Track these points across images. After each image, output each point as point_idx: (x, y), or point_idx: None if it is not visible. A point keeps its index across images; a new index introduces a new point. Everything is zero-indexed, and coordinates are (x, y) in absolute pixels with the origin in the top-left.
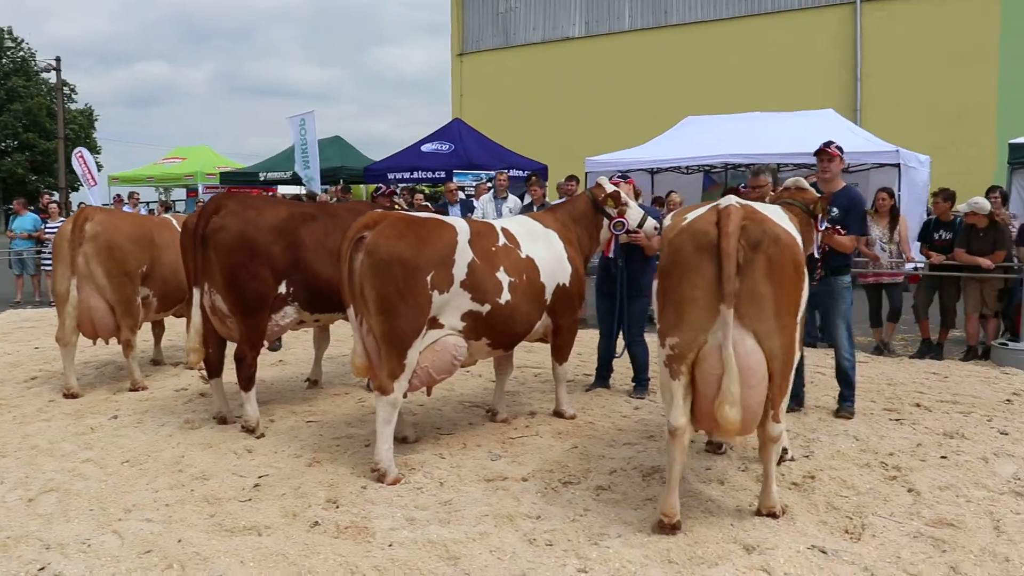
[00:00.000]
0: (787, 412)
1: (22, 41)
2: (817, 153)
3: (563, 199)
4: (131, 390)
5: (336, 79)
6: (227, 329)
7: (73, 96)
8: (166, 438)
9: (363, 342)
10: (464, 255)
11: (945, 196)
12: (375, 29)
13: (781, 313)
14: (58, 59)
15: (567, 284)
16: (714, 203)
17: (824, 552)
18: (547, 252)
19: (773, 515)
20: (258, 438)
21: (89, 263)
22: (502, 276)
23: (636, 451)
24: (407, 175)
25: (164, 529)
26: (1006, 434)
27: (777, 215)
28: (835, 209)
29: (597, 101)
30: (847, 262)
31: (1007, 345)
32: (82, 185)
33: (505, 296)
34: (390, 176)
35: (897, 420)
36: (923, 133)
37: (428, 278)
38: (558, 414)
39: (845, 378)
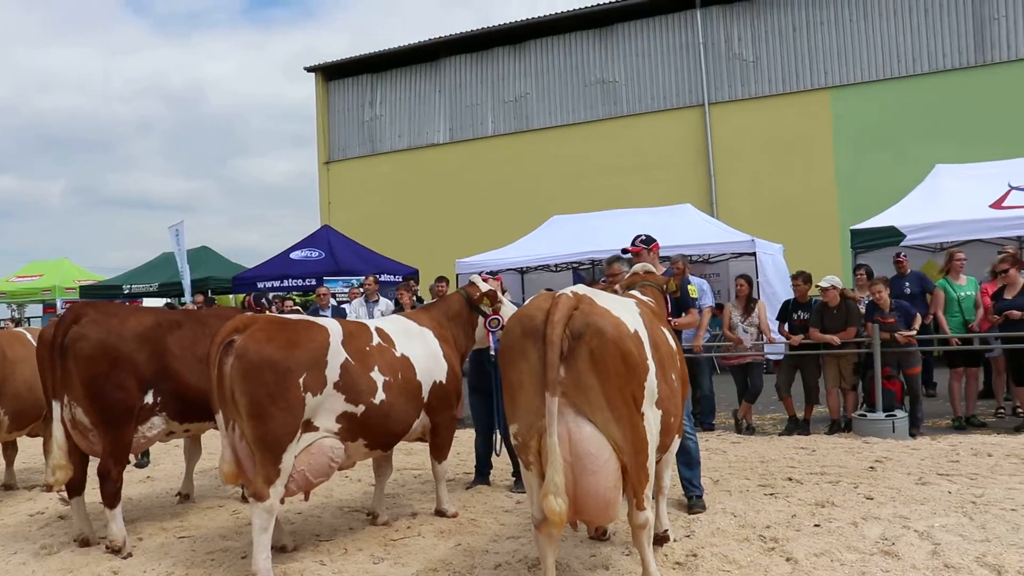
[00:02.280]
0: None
1: None
2: (654, 247)
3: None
4: None
5: (202, 190)
6: (89, 443)
7: None
8: (18, 567)
9: (232, 448)
10: (337, 356)
11: (804, 278)
12: (239, 140)
13: (614, 404)
14: None
15: (443, 381)
16: (552, 291)
17: None
18: (422, 350)
19: None
20: (125, 558)
21: None
22: (376, 376)
23: (520, 544)
24: (277, 283)
25: None
26: (871, 499)
27: (622, 306)
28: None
29: (464, 204)
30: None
31: (866, 416)
32: None
33: (380, 396)
34: (260, 285)
35: (771, 494)
36: (774, 223)
37: (300, 380)
38: (440, 513)
39: (688, 458)
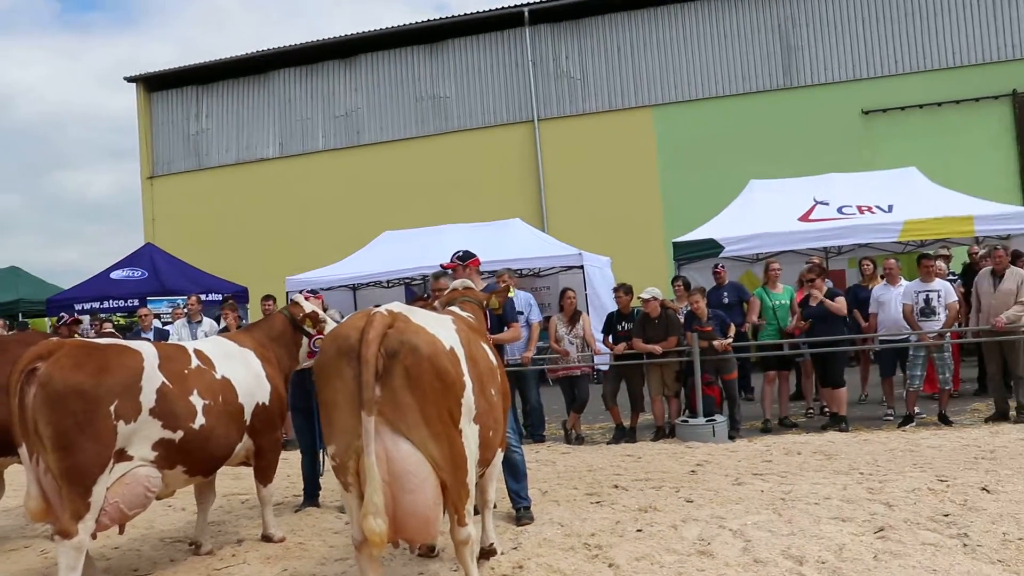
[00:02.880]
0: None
1: None
2: (472, 263)
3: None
4: None
5: (14, 205)
6: None
7: None
8: None
9: (38, 483)
10: (152, 381)
11: (625, 290)
12: (53, 152)
13: (431, 422)
14: None
15: (266, 403)
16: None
17: None
18: (244, 371)
19: None
20: None
21: None
22: (196, 399)
23: (348, 566)
24: (97, 304)
25: None
26: (691, 501)
27: (438, 323)
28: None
29: (295, 220)
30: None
31: (687, 422)
32: None
33: (199, 420)
34: (77, 307)
35: (597, 502)
36: (603, 237)
37: (111, 408)
38: (266, 538)
39: (515, 471)
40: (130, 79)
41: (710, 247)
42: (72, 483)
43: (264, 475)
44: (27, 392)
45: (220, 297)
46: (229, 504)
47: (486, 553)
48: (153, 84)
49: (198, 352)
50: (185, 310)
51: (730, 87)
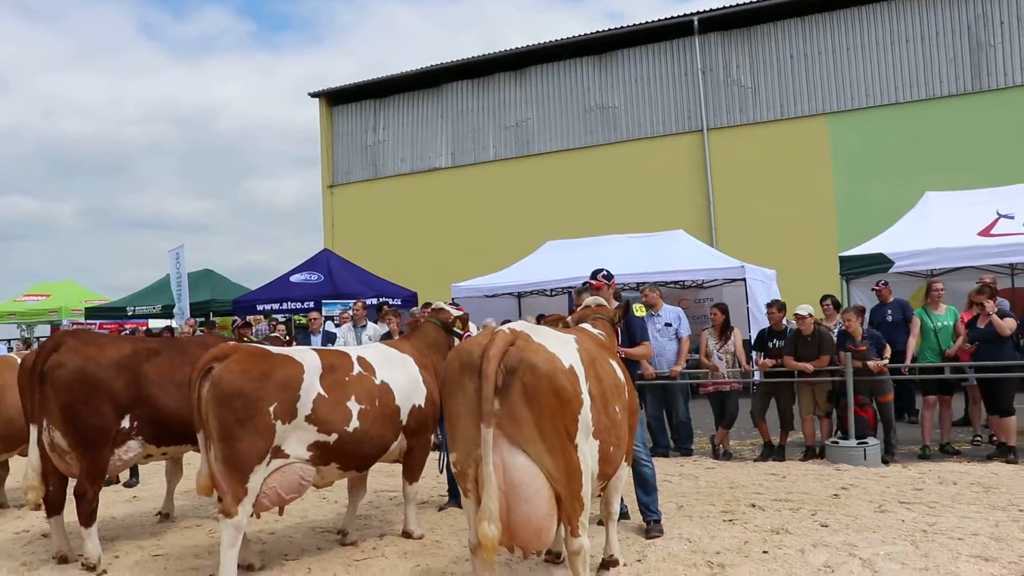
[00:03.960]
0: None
1: None
2: (588, 285)
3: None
4: None
5: (213, 211)
6: (67, 465)
7: None
8: None
9: (210, 465)
10: (310, 390)
11: (778, 307)
12: (248, 162)
13: (547, 436)
14: None
15: (422, 406)
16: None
17: None
18: (403, 376)
19: None
20: (99, 575)
21: None
22: (352, 405)
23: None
24: (277, 306)
25: None
26: (826, 526)
27: (559, 342)
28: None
29: (464, 228)
30: (633, 376)
31: (838, 443)
32: None
33: (354, 424)
34: (259, 308)
35: (731, 520)
36: (772, 249)
37: (271, 409)
38: (406, 534)
39: (645, 484)
40: (313, 94)
41: (879, 262)
42: (233, 469)
43: (412, 473)
44: (203, 387)
45: (392, 301)
46: (378, 500)
47: (607, 564)
48: (334, 98)
49: (360, 359)
50: (351, 314)
51: (911, 92)
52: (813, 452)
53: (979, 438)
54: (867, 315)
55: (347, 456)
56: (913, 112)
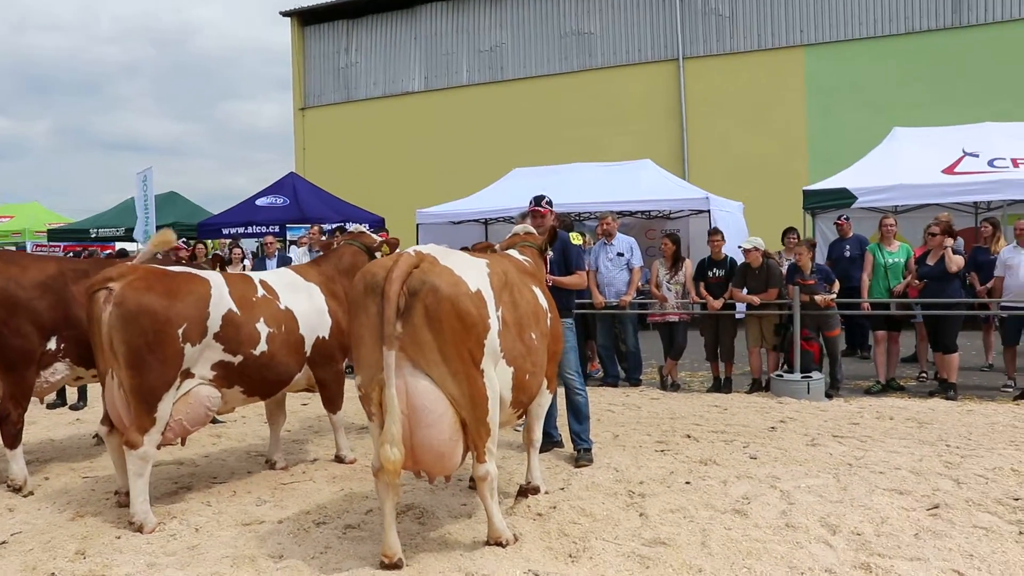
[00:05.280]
0: (541, 451)
1: None
2: (532, 211)
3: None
4: None
5: (190, 133)
6: None
7: None
8: None
9: (114, 391)
10: (219, 307)
11: (721, 236)
12: (226, 83)
13: (450, 360)
14: None
15: (326, 337)
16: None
17: (536, 575)
18: (307, 305)
19: (500, 544)
20: (25, 496)
21: None
22: (261, 327)
23: (403, 491)
24: (242, 229)
25: None
26: (755, 459)
27: (467, 266)
28: (551, 252)
29: (434, 154)
30: (567, 305)
31: (782, 376)
32: None
33: (261, 347)
34: (224, 231)
35: (662, 451)
36: (744, 180)
37: (179, 331)
38: (338, 459)
39: (577, 413)
40: (285, 13)
41: (842, 196)
42: (140, 399)
43: (331, 403)
44: (104, 311)
45: (365, 226)
46: (320, 425)
47: (525, 491)
48: (307, 18)
49: (263, 283)
50: (308, 239)
51: (890, 26)
52: (759, 385)
53: (924, 375)
54: (824, 249)
55: (251, 380)
56: (891, 46)
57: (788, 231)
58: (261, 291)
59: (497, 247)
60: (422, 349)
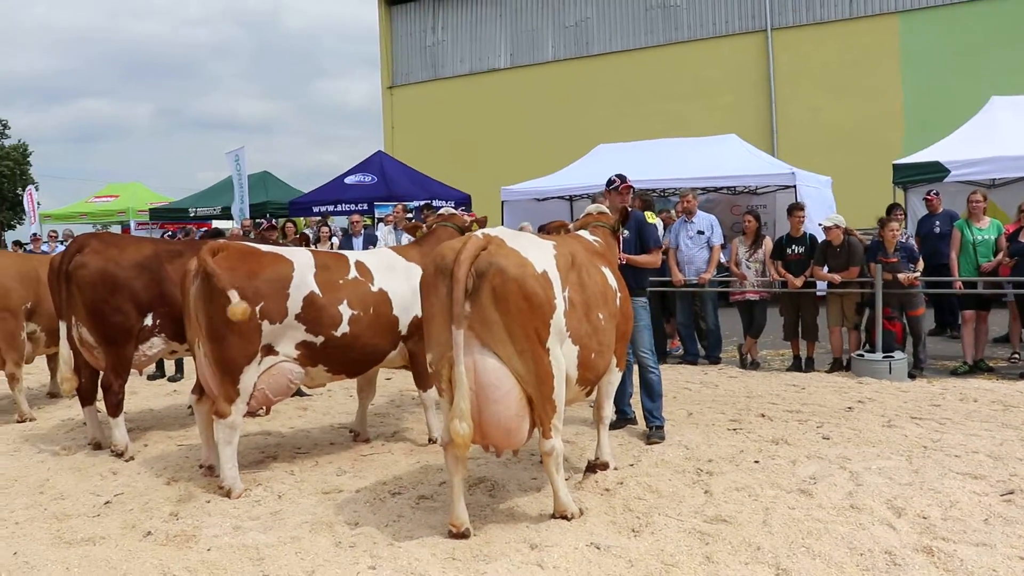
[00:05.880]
0: (614, 428)
1: None
2: (623, 188)
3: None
4: (18, 421)
5: (282, 111)
6: (96, 359)
7: (6, 132)
8: (37, 464)
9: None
10: (300, 289)
11: (803, 210)
12: (315, 63)
13: (516, 339)
14: None
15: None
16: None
17: (598, 548)
18: (404, 285)
19: (565, 517)
20: (126, 461)
21: None
22: (344, 309)
23: (476, 465)
24: (332, 207)
25: (5, 545)
26: (828, 439)
27: (534, 247)
28: (626, 231)
29: (519, 131)
30: (641, 284)
31: (863, 356)
32: (19, 224)
33: (343, 328)
34: (315, 209)
35: (735, 429)
36: (835, 156)
37: (257, 309)
38: (431, 441)
39: (651, 391)
40: None
41: (934, 170)
42: (224, 371)
43: (422, 381)
44: (192, 287)
45: (444, 203)
46: (401, 399)
47: (594, 466)
48: None
49: (359, 264)
50: (392, 217)
51: None
52: (840, 364)
53: (1016, 356)
54: (913, 225)
55: (334, 360)
56: (991, 8)
57: (894, 207)
58: (353, 273)
59: (570, 227)
60: (490, 328)
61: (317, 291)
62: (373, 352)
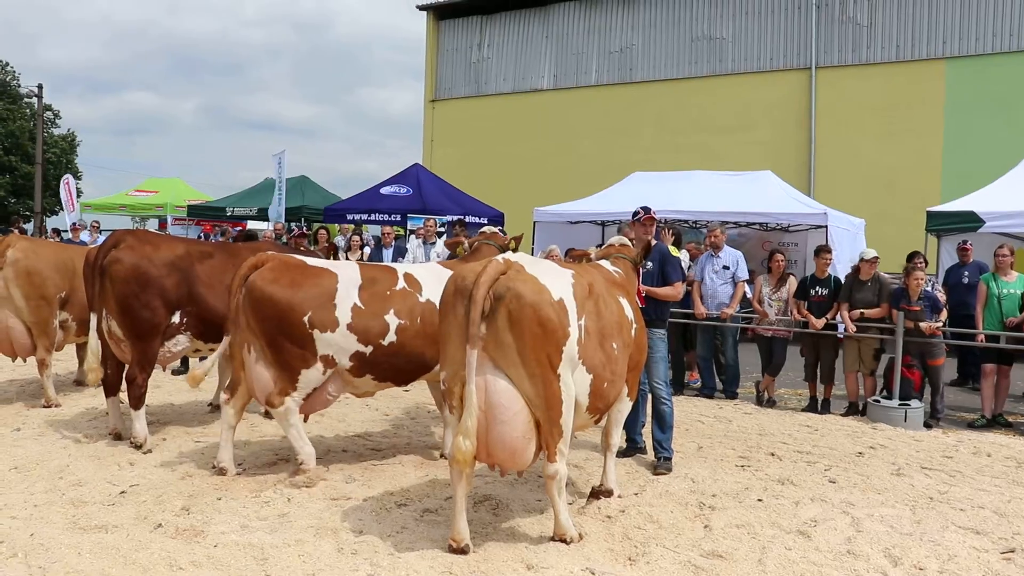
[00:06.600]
0: (623, 456)
1: (7, 64)
2: (646, 219)
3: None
4: (44, 407)
5: (326, 117)
6: (122, 352)
7: (56, 121)
8: (60, 450)
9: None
10: (346, 300)
11: (828, 251)
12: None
13: (528, 363)
14: (40, 87)
15: None
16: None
17: (593, 573)
18: None
19: (564, 541)
20: (144, 453)
21: (8, 286)
22: (390, 319)
23: (483, 482)
24: (365, 216)
25: (23, 525)
26: (834, 482)
27: (553, 275)
28: (649, 263)
29: (556, 152)
30: (660, 316)
31: (879, 402)
32: (62, 211)
33: (390, 338)
34: (348, 217)
35: (743, 466)
36: (871, 199)
37: (305, 319)
38: (443, 456)
39: (662, 422)
40: (421, 7)
41: (968, 220)
42: (280, 370)
43: None
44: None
45: (478, 220)
46: (417, 412)
47: (598, 493)
48: (443, 12)
49: (407, 276)
50: (423, 231)
51: None
52: (855, 409)
53: None
54: (942, 274)
55: (382, 368)
56: None
57: (914, 255)
58: (401, 284)
59: (592, 256)
60: (503, 351)
61: (360, 303)
62: (420, 361)
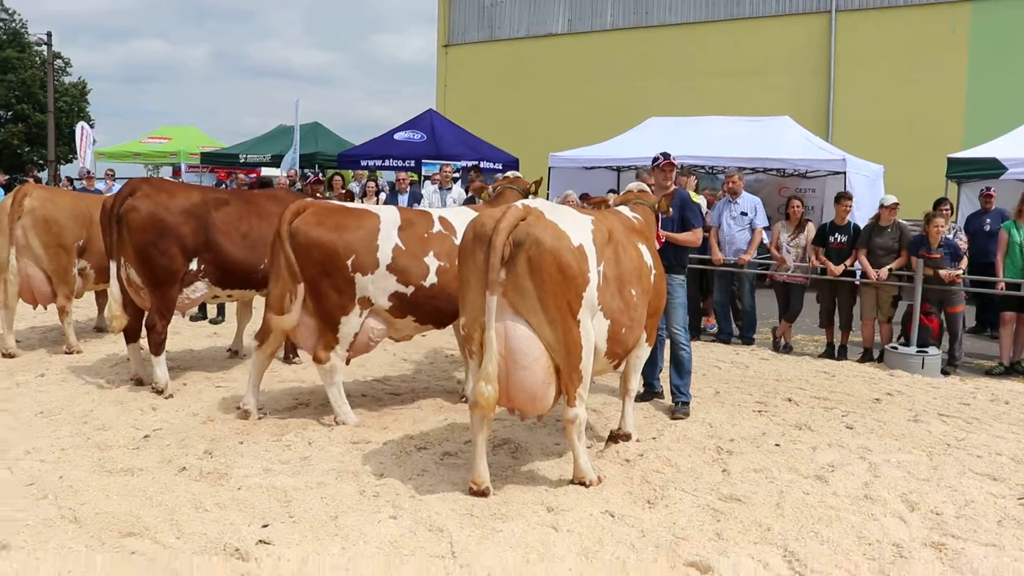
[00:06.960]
0: (641, 400)
1: (15, 12)
2: (666, 165)
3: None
4: (66, 353)
5: (338, 63)
6: (141, 299)
7: (67, 70)
8: (83, 395)
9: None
10: (388, 241)
11: (849, 198)
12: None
13: (548, 308)
14: (49, 34)
15: None
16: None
17: (612, 516)
18: None
19: (583, 484)
20: (166, 398)
21: (27, 235)
22: (430, 260)
23: (501, 426)
24: (379, 162)
25: (51, 468)
26: (851, 428)
27: (572, 221)
28: (670, 209)
29: (571, 97)
30: (680, 261)
31: (897, 349)
32: (75, 158)
33: (431, 279)
34: (363, 163)
35: (760, 411)
36: (891, 145)
37: (348, 262)
38: (463, 399)
39: (680, 367)
40: None
41: (990, 167)
42: (321, 320)
43: None
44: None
45: (492, 165)
46: (436, 357)
47: (616, 436)
48: None
49: (443, 219)
50: (438, 176)
51: None
52: (870, 356)
53: None
54: (962, 221)
55: (423, 310)
56: None
57: (941, 202)
58: (437, 227)
59: (611, 202)
60: (523, 296)
61: (401, 244)
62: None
